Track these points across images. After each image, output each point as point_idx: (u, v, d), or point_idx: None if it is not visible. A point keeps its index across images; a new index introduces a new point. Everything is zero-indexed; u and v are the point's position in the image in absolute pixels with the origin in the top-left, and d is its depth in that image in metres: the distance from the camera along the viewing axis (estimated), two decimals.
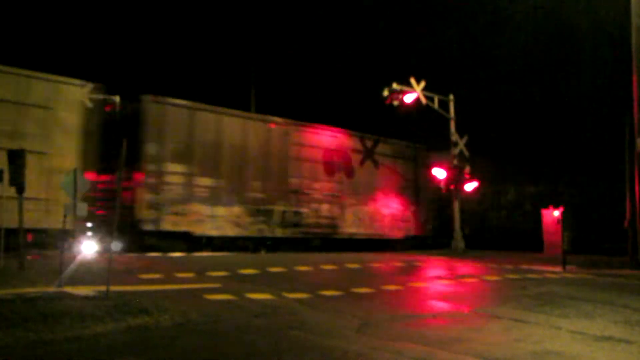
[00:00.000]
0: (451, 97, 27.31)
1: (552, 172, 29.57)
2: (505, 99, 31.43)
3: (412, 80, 25.81)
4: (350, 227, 25.88)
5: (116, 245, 17.63)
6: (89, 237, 18.49)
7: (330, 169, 25.41)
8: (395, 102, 25.43)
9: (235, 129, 22.33)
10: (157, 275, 13.25)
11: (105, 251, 16.74)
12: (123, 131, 20.25)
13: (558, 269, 17.74)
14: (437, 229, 29.80)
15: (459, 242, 26.56)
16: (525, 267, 18.46)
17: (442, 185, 26.56)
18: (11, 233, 13.98)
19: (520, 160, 30.17)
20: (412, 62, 33.15)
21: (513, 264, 19.24)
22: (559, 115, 29.60)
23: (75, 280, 11.50)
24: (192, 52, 37.17)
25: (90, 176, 20.38)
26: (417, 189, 29.30)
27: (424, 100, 26.11)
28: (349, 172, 26.25)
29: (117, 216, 11.49)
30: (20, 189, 13.53)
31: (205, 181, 21.17)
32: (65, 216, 11.77)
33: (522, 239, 27.78)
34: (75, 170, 12.25)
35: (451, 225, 27.15)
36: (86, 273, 12.75)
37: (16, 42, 30.88)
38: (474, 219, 30.40)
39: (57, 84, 18.43)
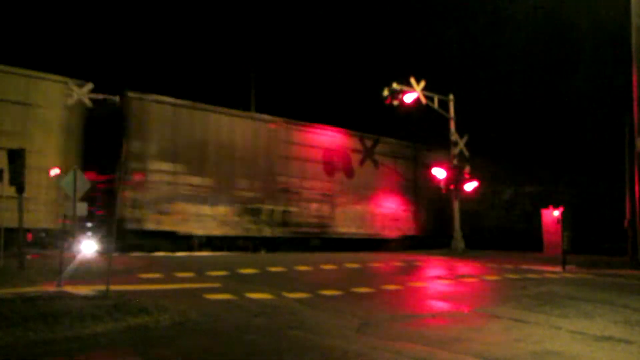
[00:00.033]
0: (451, 97, 27.30)
1: (552, 171, 29.57)
2: (505, 98, 31.42)
3: (412, 80, 25.81)
4: (341, 227, 25.61)
5: (93, 246, 17.53)
6: (81, 237, 18.34)
7: (321, 167, 25.15)
8: (395, 102, 25.41)
9: (223, 126, 22.02)
10: (156, 275, 13.25)
11: (84, 250, 16.64)
12: (106, 128, 20.21)
13: (558, 268, 17.73)
14: (435, 229, 29.64)
15: (458, 242, 26.54)
16: (525, 267, 18.45)
17: (442, 185, 26.51)
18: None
19: (520, 160, 30.16)
20: (412, 62, 33.12)
21: (513, 263, 19.24)
22: (559, 115, 29.60)
23: (75, 279, 11.50)
24: (192, 52, 37.16)
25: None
26: (415, 188, 29.18)
27: (423, 100, 26.11)
28: (342, 171, 25.96)
29: (116, 216, 11.49)
30: (20, 189, 13.54)
31: (191, 179, 20.86)
32: (65, 216, 11.74)
33: (522, 239, 27.76)
34: (75, 170, 12.25)
35: (450, 225, 27.10)
36: (86, 272, 12.75)
37: None
38: (474, 219, 30.37)
39: (36, 80, 18.02)
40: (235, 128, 22.43)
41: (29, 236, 17.07)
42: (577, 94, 29.14)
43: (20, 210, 13.54)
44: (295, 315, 9.48)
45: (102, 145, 19.67)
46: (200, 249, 21.02)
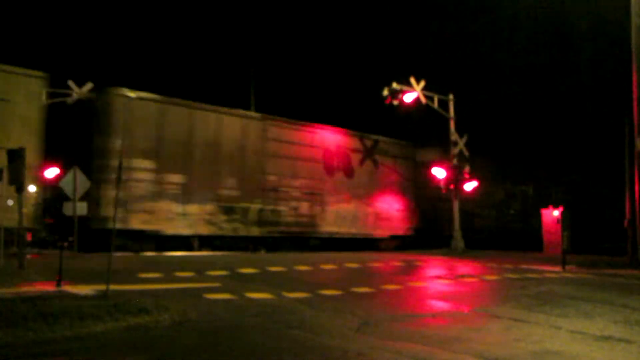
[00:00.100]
0: (451, 96, 27.30)
1: (552, 171, 29.58)
2: (505, 98, 31.43)
3: (412, 80, 25.81)
4: (332, 226, 25.30)
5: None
6: (49, 236, 18.12)
7: (312, 166, 24.82)
8: (395, 102, 25.39)
9: (209, 124, 21.67)
10: (156, 275, 13.25)
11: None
12: (83, 125, 19.94)
13: (558, 268, 17.73)
14: (430, 229, 29.41)
15: (458, 241, 26.53)
16: (524, 266, 18.45)
17: (441, 184, 26.51)
18: None
19: (520, 160, 30.17)
20: (412, 62, 33.13)
21: (513, 263, 19.23)
22: (559, 115, 29.61)
23: (75, 279, 11.50)
24: (192, 51, 37.16)
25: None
26: (410, 188, 28.91)
27: (423, 100, 26.11)
28: (334, 170, 25.65)
29: (115, 215, 11.48)
30: (20, 188, 13.54)
31: (176, 178, 20.46)
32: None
33: (522, 239, 27.77)
34: (75, 170, 12.28)
35: (444, 224, 27.04)
36: (86, 272, 12.75)
37: None
38: (473, 219, 30.37)
39: (15, 76, 17.68)
40: (222, 126, 22.01)
41: (29, 236, 17.03)
42: (577, 93, 29.14)
43: (20, 210, 13.54)
44: (295, 314, 9.48)
45: (77, 142, 19.33)
46: (181, 249, 20.53)
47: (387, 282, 13.56)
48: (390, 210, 27.97)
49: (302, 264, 16.34)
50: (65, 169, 18.41)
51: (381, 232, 27.33)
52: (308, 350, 7.32)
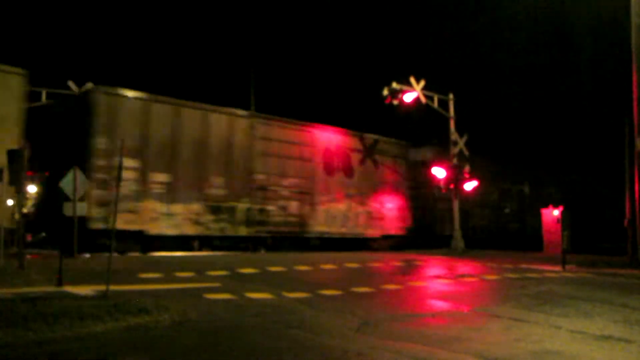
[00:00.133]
0: (451, 96, 27.32)
1: (552, 171, 29.61)
2: (505, 98, 31.47)
3: (412, 80, 25.82)
4: (321, 226, 24.92)
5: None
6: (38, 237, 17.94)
7: (303, 165, 24.45)
8: (395, 102, 25.38)
9: (195, 122, 21.23)
10: (156, 275, 13.25)
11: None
12: (65, 124, 19.68)
13: (557, 268, 17.74)
14: (425, 228, 29.11)
15: (458, 241, 26.54)
16: (524, 266, 18.46)
17: (441, 184, 26.51)
18: None
19: (520, 160, 30.19)
20: (412, 62, 33.16)
21: (512, 263, 19.25)
22: (559, 115, 29.64)
23: (75, 279, 11.51)
24: (192, 51, 37.19)
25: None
26: (408, 188, 28.60)
27: (423, 100, 26.12)
28: (324, 170, 25.26)
29: (114, 215, 11.49)
30: (20, 189, 13.55)
31: (161, 177, 20.10)
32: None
33: (522, 238, 27.79)
34: (74, 170, 12.27)
35: (439, 224, 27.01)
36: (86, 272, 12.76)
37: None
38: (473, 218, 30.38)
39: None
40: (209, 123, 21.61)
41: (29, 237, 17.03)
42: (576, 93, 29.18)
43: (20, 209, 13.54)
44: (295, 314, 9.48)
45: (58, 142, 19.02)
46: (165, 249, 20.09)
47: (387, 282, 13.56)
48: (384, 209, 27.57)
49: (302, 264, 16.35)
50: (49, 171, 18.05)
51: (373, 232, 26.92)
52: (308, 350, 7.32)
